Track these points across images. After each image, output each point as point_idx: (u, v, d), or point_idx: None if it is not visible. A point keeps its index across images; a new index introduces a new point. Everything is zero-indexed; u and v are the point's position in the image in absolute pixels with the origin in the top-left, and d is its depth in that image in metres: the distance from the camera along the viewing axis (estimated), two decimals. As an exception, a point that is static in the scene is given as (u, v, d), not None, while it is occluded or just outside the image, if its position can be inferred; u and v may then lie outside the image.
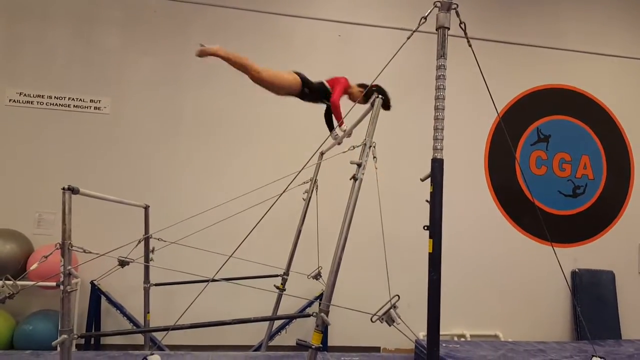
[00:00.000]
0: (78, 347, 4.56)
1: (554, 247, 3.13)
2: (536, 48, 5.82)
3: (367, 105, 2.83)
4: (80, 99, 4.93)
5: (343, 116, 3.19)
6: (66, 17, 4.96)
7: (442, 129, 2.18)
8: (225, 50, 3.21)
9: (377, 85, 3.10)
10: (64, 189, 2.38)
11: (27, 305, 4.50)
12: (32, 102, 4.84)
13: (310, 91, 3.41)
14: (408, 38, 2.47)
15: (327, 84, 3.44)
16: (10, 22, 4.85)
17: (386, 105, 3.10)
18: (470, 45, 2.42)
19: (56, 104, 4.88)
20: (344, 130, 3.33)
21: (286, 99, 5.18)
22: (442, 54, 2.18)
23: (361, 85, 3.43)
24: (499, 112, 3.30)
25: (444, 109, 2.19)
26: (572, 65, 5.94)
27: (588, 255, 5.76)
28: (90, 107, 4.94)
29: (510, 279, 5.55)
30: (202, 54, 3.20)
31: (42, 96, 4.86)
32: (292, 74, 3.41)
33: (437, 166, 2.13)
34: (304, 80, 3.40)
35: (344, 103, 3.26)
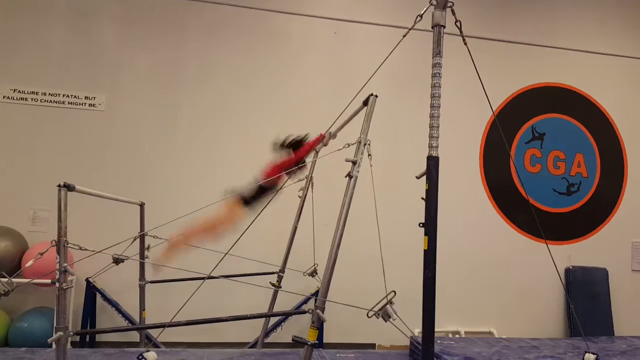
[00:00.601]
0: (73, 344, 4.56)
1: (548, 245, 3.15)
2: (531, 46, 5.84)
3: (357, 105, 2.85)
4: (75, 96, 4.90)
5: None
6: (61, 13, 4.93)
7: (438, 127, 2.19)
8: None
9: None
10: (59, 186, 2.37)
11: (23, 302, 4.49)
12: (26, 99, 4.81)
13: (252, 199, 3.55)
14: (404, 36, 2.48)
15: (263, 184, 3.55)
16: (4, 18, 4.81)
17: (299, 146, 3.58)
18: (465, 44, 2.43)
19: (51, 101, 4.85)
20: (330, 133, 3.43)
21: (281, 98, 5.22)
22: (437, 51, 2.19)
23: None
24: (494, 110, 3.32)
25: (439, 107, 2.21)
26: (567, 64, 5.97)
27: (582, 252, 5.80)
28: (85, 104, 4.91)
29: (504, 276, 5.59)
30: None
31: (37, 93, 4.83)
32: (230, 207, 3.53)
33: (433, 164, 2.14)
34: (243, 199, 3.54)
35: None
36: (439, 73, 2.20)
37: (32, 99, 4.82)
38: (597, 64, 6.03)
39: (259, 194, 3.55)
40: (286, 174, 3.60)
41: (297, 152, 3.72)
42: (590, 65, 6.03)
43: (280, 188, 3.08)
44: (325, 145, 3.52)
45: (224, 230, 3.44)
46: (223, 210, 3.49)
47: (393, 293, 2.19)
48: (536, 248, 5.57)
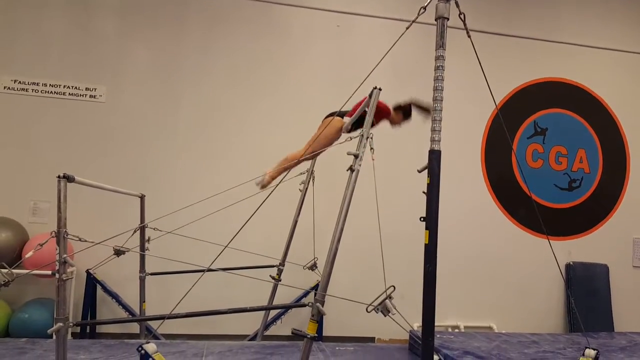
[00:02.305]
0: (74, 335, 4.57)
1: (550, 240, 3.14)
2: (534, 41, 5.81)
3: (362, 96, 2.82)
4: (76, 87, 4.89)
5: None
6: (62, 4, 4.90)
7: (440, 120, 2.17)
8: (271, 173, 3.19)
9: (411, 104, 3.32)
10: (59, 177, 2.37)
11: (23, 293, 4.50)
12: (27, 90, 4.79)
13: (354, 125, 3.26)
14: (407, 28, 2.46)
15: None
16: (5, 9, 4.79)
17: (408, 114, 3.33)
18: (469, 36, 2.40)
19: (51, 92, 4.84)
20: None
21: (282, 91, 5.19)
22: (441, 44, 2.17)
23: (398, 107, 3.47)
24: (496, 104, 3.30)
25: (442, 100, 2.19)
26: (570, 59, 5.93)
27: (583, 248, 5.79)
28: (85, 95, 4.90)
29: (504, 271, 5.58)
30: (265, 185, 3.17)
31: (37, 84, 4.82)
32: (334, 121, 3.23)
33: (435, 158, 2.13)
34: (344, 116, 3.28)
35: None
36: (442, 66, 2.18)
37: (33, 90, 4.80)
38: (601, 59, 6.00)
39: (359, 121, 3.21)
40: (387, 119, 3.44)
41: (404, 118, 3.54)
42: (594, 60, 5.99)
43: (280, 181, 3.06)
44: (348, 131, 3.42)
45: (321, 151, 3.22)
46: (324, 127, 3.23)
47: (392, 288, 2.18)
48: (537, 243, 5.56)
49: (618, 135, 6.03)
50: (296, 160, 3.12)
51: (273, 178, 3.18)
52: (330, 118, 3.20)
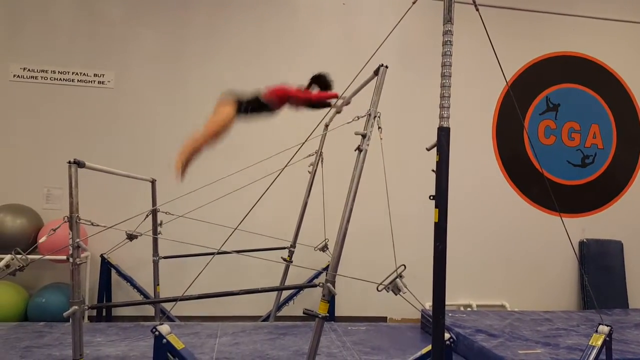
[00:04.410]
0: (90, 319, 4.67)
1: (562, 217, 3.11)
2: (545, 14, 5.66)
3: (369, 74, 2.78)
4: (84, 74, 4.90)
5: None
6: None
7: (449, 97, 2.13)
8: (180, 159, 3.11)
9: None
10: (69, 162, 2.39)
11: (40, 278, 4.59)
12: (36, 77, 4.82)
13: (248, 107, 3.29)
14: (414, 3, 2.41)
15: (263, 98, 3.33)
16: (12, -3, 4.80)
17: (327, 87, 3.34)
18: (477, 10, 2.35)
19: (60, 79, 4.86)
20: (343, 98, 3.28)
21: (290, 71, 5.15)
22: (448, 18, 2.12)
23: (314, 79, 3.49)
24: (507, 80, 3.24)
25: (450, 76, 2.14)
26: (583, 32, 5.78)
27: (596, 225, 5.73)
28: (94, 81, 4.91)
29: (517, 249, 5.55)
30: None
31: (46, 71, 4.84)
32: (221, 108, 3.26)
33: (444, 135, 2.09)
34: (239, 103, 3.27)
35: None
36: (450, 41, 2.13)
37: (42, 78, 4.83)
38: (615, 31, 5.84)
39: (256, 107, 3.29)
40: (290, 103, 3.38)
41: (321, 92, 3.48)
42: (607, 33, 5.83)
43: (287, 164, 3.04)
44: (339, 112, 3.43)
45: (215, 137, 3.22)
46: (215, 113, 3.26)
47: (403, 267, 2.18)
48: (549, 221, 5.51)
49: (632, 110, 5.90)
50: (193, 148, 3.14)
51: (184, 165, 3.13)
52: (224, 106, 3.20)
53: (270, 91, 3.34)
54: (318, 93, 3.49)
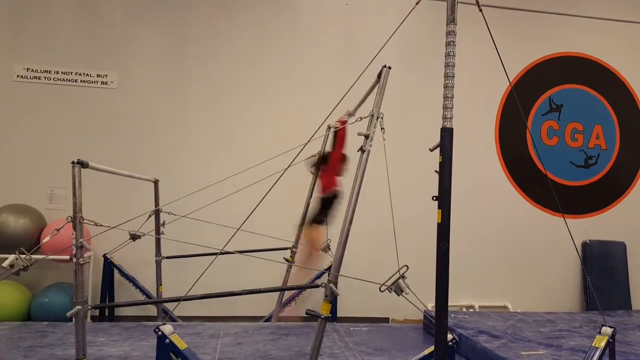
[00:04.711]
0: (93, 319, 4.67)
1: (565, 218, 3.10)
2: (548, 15, 5.64)
3: (369, 77, 2.78)
4: (87, 74, 4.91)
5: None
6: (70, -10, 4.90)
7: (452, 97, 2.13)
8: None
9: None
10: (73, 162, 2.40)
11: (43, 278, 4.59)
12: (39, 78, 4.83)
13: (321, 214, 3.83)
14: (417, 3, 2.41)
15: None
16: (14, -1, 4.81)
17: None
18: (480, 10, 2.35)
19: (63, 79, 4.87)
20: (349, 111, 3.35)
21: (292, 72, 5.15)
22: (452, 19, 2.11)
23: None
24: (510, 81, 3.23)
25: (453, 77, 2.14)
26: (586, 33, 5.76)
27: (599, 226, 5.72)
28: (97, 81, 4.92)
29: (519, 249, 5.54)
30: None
31: (49, 72, 4.85)
32: (314, 231, 3.94)
33: (447, 136, 2.09)
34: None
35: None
36: (454, 41, 2.13)
37: (45, 78, 4.84)
38: (617, 32, 5.82)
39: (325, 207, 3.74)
40: (339, 176, 3.72)
41: (330, 160, 3.80)
42: (611, 33, 5.81)
43: (290, 164, 3.04)
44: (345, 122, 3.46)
45: (316, 252, 3.99)
46: (306, 240, 4.00)
47: (405, 267, 2.18)
48: (552, 221, 5.50)
49: (636, 110, 5.89)
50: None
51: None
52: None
53: (323, 187, 3.82)
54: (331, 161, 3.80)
